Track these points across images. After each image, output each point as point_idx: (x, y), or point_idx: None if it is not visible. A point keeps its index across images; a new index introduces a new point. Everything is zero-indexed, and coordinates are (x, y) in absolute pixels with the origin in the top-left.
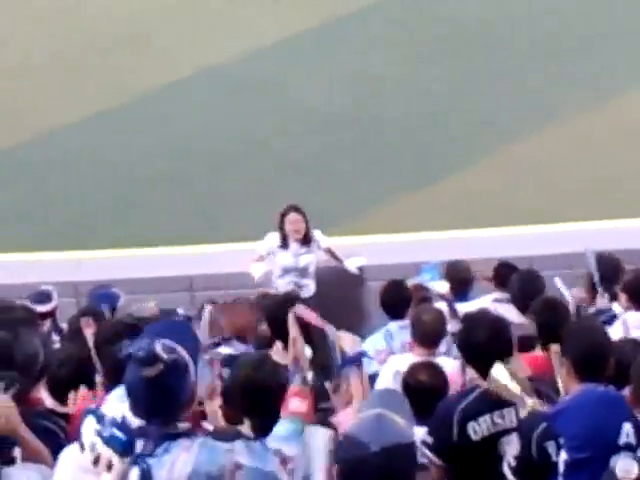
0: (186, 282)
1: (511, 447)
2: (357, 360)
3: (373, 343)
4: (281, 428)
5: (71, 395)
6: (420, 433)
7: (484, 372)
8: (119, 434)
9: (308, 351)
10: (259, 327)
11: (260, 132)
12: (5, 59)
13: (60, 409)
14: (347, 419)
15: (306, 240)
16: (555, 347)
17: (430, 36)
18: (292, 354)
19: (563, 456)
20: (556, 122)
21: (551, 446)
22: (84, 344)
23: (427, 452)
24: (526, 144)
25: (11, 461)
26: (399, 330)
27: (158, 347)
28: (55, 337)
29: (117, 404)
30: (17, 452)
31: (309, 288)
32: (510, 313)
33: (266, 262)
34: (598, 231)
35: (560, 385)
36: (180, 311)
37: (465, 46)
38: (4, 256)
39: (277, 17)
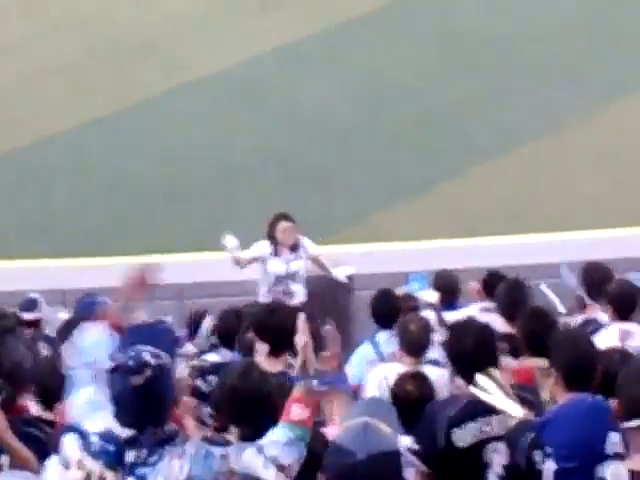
0: (176, 290)
1: (499, 456)
2: (333, 383)
3: (363, 354)
4: (279, 435)
5: (59, 405)
6: (407, 441)
7: (471, 380)
8: (108, 447)
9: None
10: (245, 334)
11: (260, 140)
12: (7, 64)
13: (46, 416)
14: (334, 432)
15: (295, 247)
16: (537, 361)
17: (432, 42)
18: (301, 359)
19: (551, 465)
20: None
21: (539, 455)
22: None
23: (413, 459)
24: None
25: None
26: (389, 339)
27: (146, 355)
28: (42, 344)
29: (93, 416)
30: (4, 459)
31: (299, 294)
32: (496, 322)
33: (253, 267)
34: (593, 239)
35: (543, 396)
36: (168, 319)
37: (467, 53)
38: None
39: (279, 23)
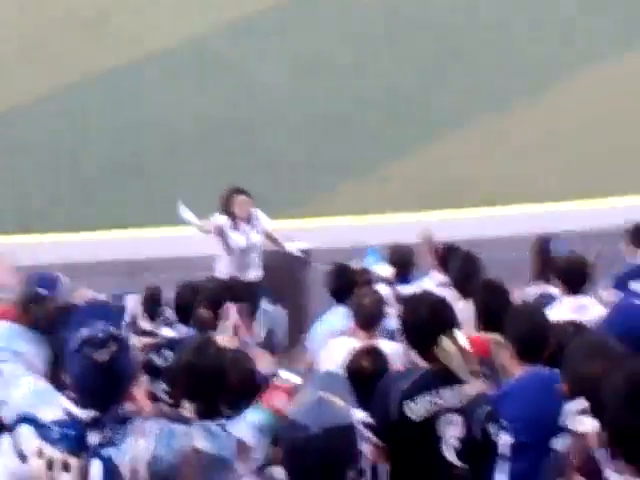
0: (128, 266)
1: (453, 428)
2: (268, 381)
3: (322, 329)
4: (255, 416)
5: None
6: (361, 415)
7: (425, 353)
8: (68, 432)
9: None
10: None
11: (212, 114)
12: None
13: None
14: None
15: (250, 219)
16: (493, 336)
17: (381, 23)
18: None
19: (508, 439)
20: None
21: (494, 428)
22: None
23: (367, 433)
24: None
25: None
26: (345, 314)
27: (111, 329)
28: None
29: (44, 404)
30: None
31: (256, 267)
32: (453, 298)
33: (210, 237)
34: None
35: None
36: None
37: (422, 29)
38: None
39: None
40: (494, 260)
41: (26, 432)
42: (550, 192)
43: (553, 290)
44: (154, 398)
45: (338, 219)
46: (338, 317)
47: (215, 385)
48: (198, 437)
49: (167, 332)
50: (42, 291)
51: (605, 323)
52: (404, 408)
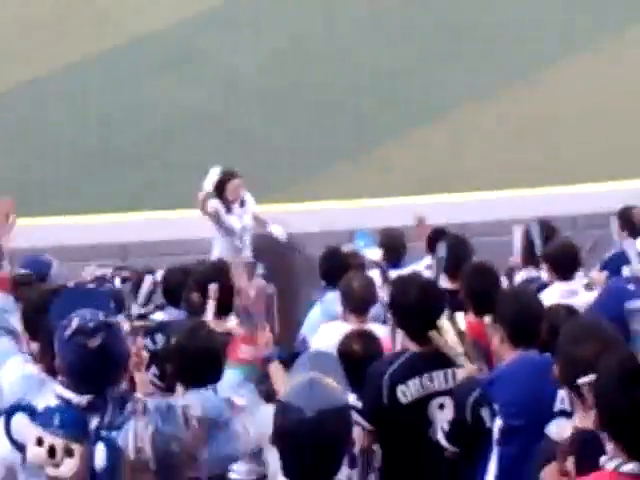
0: (120, 249)
1: (443, 412)
2: (267, 360)
3: (315, 315)
4: (230, 377)
5: None
6: (351, 399)
7: (414, 335)
8: (68, 419)
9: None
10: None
11: (192, 102)
12: None
13: None
14: None
15: (242, 202)
16: (487, 318)
17: (364, 9)
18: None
19: (498, 423)
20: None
21: (485, 412)
22: None
23: (357, 417)
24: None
25: None
26: (337, 298)
27: (101, 315)
28: None
29: (38, 391)
30: None
31: (248, 250)
32: (442, 280)
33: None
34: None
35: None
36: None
37: (407, 9)
38: None
39: None
40: (494, 244)
41: (22, 421)
42: (549, 176)
43: (543, 275)
44: None
45: (332, 202)
46: (332, 302)
47: (207, 367)
48: (195, 406)
49: (158, 315)
50: (32, 273)
51: (596, 306)
52: (395, 391)
